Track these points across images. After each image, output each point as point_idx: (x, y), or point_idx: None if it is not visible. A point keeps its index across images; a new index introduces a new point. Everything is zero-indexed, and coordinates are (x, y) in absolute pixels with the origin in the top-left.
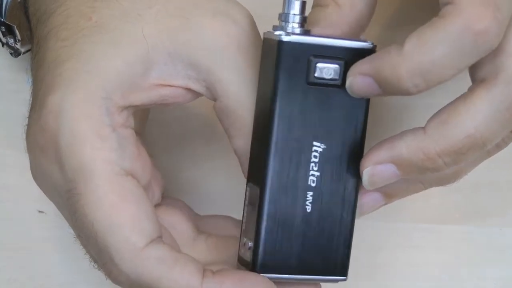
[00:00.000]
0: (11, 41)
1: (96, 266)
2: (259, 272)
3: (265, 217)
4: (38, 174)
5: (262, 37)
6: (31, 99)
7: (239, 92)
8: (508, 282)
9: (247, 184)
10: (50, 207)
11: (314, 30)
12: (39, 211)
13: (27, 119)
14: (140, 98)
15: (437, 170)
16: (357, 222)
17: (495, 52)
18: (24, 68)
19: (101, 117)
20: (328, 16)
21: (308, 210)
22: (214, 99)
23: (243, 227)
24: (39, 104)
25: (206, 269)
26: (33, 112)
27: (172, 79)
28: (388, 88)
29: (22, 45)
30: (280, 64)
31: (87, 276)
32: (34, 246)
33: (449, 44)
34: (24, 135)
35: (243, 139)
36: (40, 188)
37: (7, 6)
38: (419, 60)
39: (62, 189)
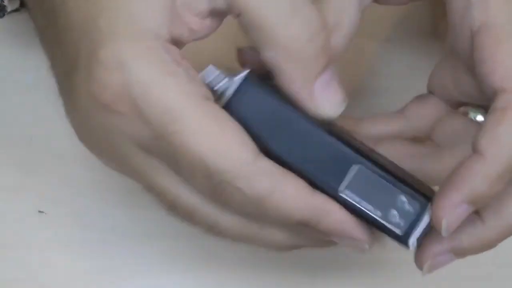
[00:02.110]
0: None
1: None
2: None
3: None
4: (99, 135)
5: None
6: (60, 69)
7: (259, 3)
8: (508, 282)
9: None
10: (50, 207)
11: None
12: (39, 211)
13: (66, 87)
14: (179, 31)
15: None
16: None
17: None
18: (23, 69)
19: (163, 56)
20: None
21: None
22: (237, 14)
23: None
24: (86, 65)
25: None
26: (77, 76)
27: (197, 3)
28: (481, 202)
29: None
30: None
31: (87, 276)
32: (34, 246)
33: None
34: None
35: (271, 50)
36: (92, 147)
37: None
38: (505, 161)
39: (148, 138)
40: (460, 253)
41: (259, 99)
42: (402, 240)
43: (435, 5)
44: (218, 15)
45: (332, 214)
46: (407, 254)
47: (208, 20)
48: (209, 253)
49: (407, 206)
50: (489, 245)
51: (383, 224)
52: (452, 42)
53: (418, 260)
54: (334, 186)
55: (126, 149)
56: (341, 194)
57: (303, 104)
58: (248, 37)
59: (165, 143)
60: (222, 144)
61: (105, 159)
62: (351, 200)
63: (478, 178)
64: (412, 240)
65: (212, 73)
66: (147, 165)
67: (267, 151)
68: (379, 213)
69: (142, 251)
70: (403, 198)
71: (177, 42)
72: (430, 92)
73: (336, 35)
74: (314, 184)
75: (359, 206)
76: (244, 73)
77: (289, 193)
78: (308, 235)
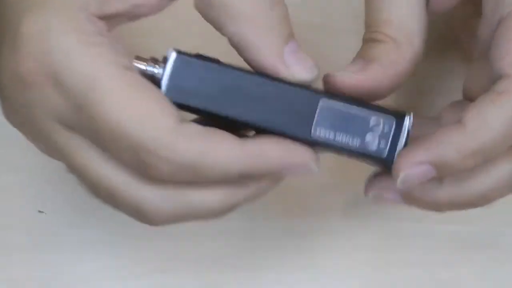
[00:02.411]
0: None
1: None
2: None
3: None
4: (22, 113)
5: None
6: None
7: None
8: (508, 282)
9: None
10: (50, 207)
11: (374, 67)
12: (39, 211)
13: None
14: (116, 7)
15: (436, 211)
16: (360, 222)
17: None
18: None
19: (86, 27)
20: (388, 53)
21: None
22: None
23: None
24: (11, 37)
25: (242, 135)
26: (3, 49)
27: None
28: (447, 171)
29: None
30: None
31: (87, 277)
32: (34, 246)
33: (509, 120)
34: None
35: (236, 25)
36: (18, 127)
37: None
38: (483, 140)
39: (67, 112)
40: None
41: (202, 74)
42: (387, 162)
43: (455, 17)
44: None
45: (268, 155)
46: (407, 254)
47: None
48: (209, 253)
49: (383, 126)
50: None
51: (364, 152)
52: (483, 36)
53: (395, 169)
54: (306, 131)
55: (47, 126)
56: (314, 136)
57: (277, 72)
58: (207, 16)
59: (85, 114)
60: (143, 112)
61: (31, 139)
62: (326, 139)
63: (451, 146)
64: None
65: (140, 64)
66: (69, 143)
67: (229, 123)
68: (357, 142)
69: (142, 251)
70: (376, 119)
71: (113, 17)
72: (467, 99)
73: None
74: (286, 137)
75: (335, 142)
76: (173, 53)
77: (221, 151)
78: (250, 186)
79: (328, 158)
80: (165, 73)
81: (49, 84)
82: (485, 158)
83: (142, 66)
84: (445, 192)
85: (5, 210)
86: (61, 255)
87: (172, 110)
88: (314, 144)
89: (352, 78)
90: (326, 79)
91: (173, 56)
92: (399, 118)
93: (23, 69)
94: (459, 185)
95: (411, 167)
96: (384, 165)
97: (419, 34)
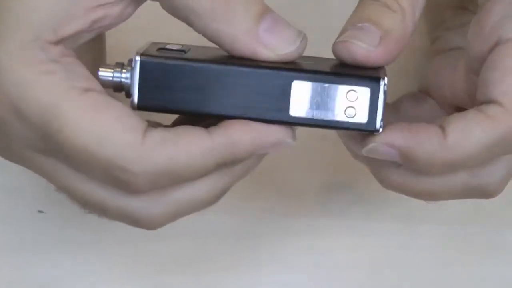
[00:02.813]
0: None
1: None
2: None
3: None
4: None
5: None
6: None
7: None
8: (508, 282)
9: None
10: (50, 207)
11: (390, 42)
12: (39, 211)
13: None
14: (74, 27)
15: (429, 173)
16: (359, 222)
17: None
18: None
19: (37, 57)
20: (399, 25)
21: None
22: None
23: None
24: None
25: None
26: None
27: None
28: (412, 166)
29: None
30: None
31: (88, 276)
32: (34, 246)
33: (489, 147)
34: None
35: (203, 20)
36: (3, 154)
37: None
38: (458, 156)
39: (36, 141)
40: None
41: (171, 74)
42: (370, 128)
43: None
44: (131, 3)
45: (239, 141)
46: (407, 254)
47: (121, 5)
48: (209, 253)
49: (359, 95)
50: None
51: (345, 123)
52: (475, 48)
53: (367, 138)
54: (284, 113)
55: (24, 154)
56: (294, 116)
57: (259, 56)
58: (177, 17)
59: (52, 142)
60: (106, 132)
61: (19, 164)
62: (305, 117)
63: (426, 149)
64: (379, 123)
65: (106, 72)
66: (49, 167)
67: (206, 117)
68: (335, 115)
69: (142, 251)
70: (352, 89)
71: (73, 36)
72: (422, 91)
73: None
74: (264, 121)
75: (314, 118)
76: (138, 57)
77: (191, 151)
78: (232, 170)
79: (328, 158)
80: (134, 78)
81: (12, 118)
82: (452, 171)
83: (109, 73)
84: (399, 176)
85: (5, 210)
86: (61, 255)
87: (135, 123)
88: (295, 124)
89: (371, 52)
90: (340, 45)
91: (138, 60)
92: (374, 84)
93: None
94: (415, 176)
95: (383, 145)
96: (368, 130)
97: (420, 3)
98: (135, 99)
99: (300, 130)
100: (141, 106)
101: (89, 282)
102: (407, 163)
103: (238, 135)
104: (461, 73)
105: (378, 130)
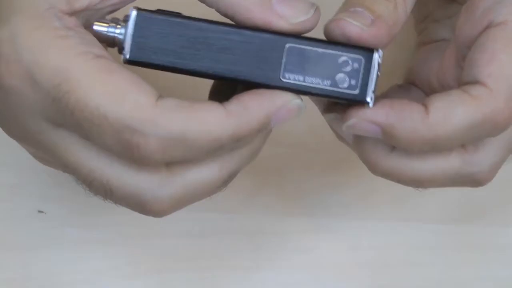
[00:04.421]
0: None
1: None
2: None
3: None
4: (6, 116)
5: None
6: None
7: None
8: (508, 282)
9: None
10: (50, 207)
11: (381, 25)
12: (39, 211)
13: None
14: (85, 1)
15: (409, 150)
16: (360, 222)
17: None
18: None
19: (52, 24)
20: (391, 13)
21: None
22: None
23: None
24: None
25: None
26: None
27: None
28: (393, 142)
29: None
30: None
31: (87, 276)
32: (34, 246)
33: (471, 127)
34: None
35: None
36: (10, 133)
37: None
38: (440, 134)
39: (48, 108)
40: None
41: (165, 29)
42: (360, 99)
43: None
44: None
45: (252, 108)
46: (407, 254)
47: None
48: (209, 253)
49: (352, 64)
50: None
51: (336, 92)
52: (464, 32)
53: (350, 113)
54: (275, 77)
55: (33, 127)
56: (284, 81)
57: (272, 25)
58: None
59: (63, 107)
60: (120, 92)
61: (23, 143)
62: (296, 83)
63: (407, 125)
64: (370, 95)
65: (101, 27)
66: (58, 140)
67: (198, 76)
68: (327, 83)
69: (142, 251)
70: (345, 57)
71: (83, 11)
72: (409, 82)
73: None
74: (256, 85)
75: (305, 84)
76: (134, 10)
77: (207, 117)
78: (243, 148)
79: (328, 158)
80: (128, 32)
81: (24, 84)
82: (433, 149)
83: (103, 28)
84: (387, 161)
85: (5, 210)
86: (61, 255)
87: (148, 88)
88: (285, 89)
89: (363, 31)
90: (333, 24)
91: (134, 14)
92: (368, 54)
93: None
94: (404, 162)
95: (364, 121)
96: (358, 102)
97: None
98: (127, 52)
99: (300, 130)
100: (132, 60)
101: (89, 281)
102: (389, 140)
103: (250, 102)
104: (449, 62)
105: (368, 103)
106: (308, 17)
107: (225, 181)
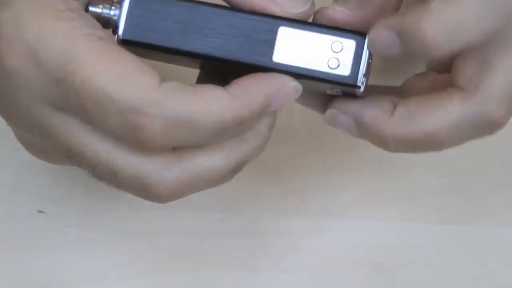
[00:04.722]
0: None
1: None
2: None
3: None
4: (7, 101)
5: None
6: None
7: None
8: (508, 282)
9: None
10: (50, 207)
11: (368, 8)
12: (39, 211)
13: None
14: None
15: (386, 149)
16: (360, 222)
17: (483, 65)
18: None
19: (56, 6)
20: None
21: None
22: None
23: None
24: None
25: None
26: None
27: None
28: (410, 46)
29: None
30: None
31: (88, 276)
32: (34, 246)
33: (479, 3)
34: None
35: None
36: (10, 120)
37: None
38: (447, 18)
39: (51, 90)
40: (359, 125)
41: (159, 10)
42: (351, 82)
43: None
44: None
45: (253, 89)
46: (407, 254)
47: None
48: (209, 253)
49: (344, 48)
50: (385, 140)
51: (327, 74)
52: None
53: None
54: (267, 59)
55: (36, 111)
56: (277, 62)
57: (269, 10)
58: None
59: (67, 88)
60: (125, 74)
61: (16, 126)
62: (288, 65)
63: (415, 19)
64: (360, 79)
65: (96, 8)
66: (61, 124)
67: (190, 58)
68: (319, 66)
69: (142, 251)
70: (337, 41)
71: None
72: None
73: None
74: (248, 66)
75: (297, 68)
76: None
77: (211, 98)
78: (249, 138)
79: (328, 157)
80: (122, 12)
81: (27, 65)
82: (455, 40)
83: (98, 9)
84: (393, 125)
85: (5, 210)
86: (61, 255)
87: (152, 71)
88: (278, 71)
89: (345, 13)
90: (319, 13)
91: None
92: (360, 37)
93: (0, 55)
94: (408, 119)
95: (380, 29)
96: (349, 86)
97: None
98: (121, 31)
99: (300, 130)
100: (126, 40)
101: (89, 281)
102: (404, 43)
103: (250, 85)
104: None
105: (359, 87)
106: (305, 9)
107: (232, 171)
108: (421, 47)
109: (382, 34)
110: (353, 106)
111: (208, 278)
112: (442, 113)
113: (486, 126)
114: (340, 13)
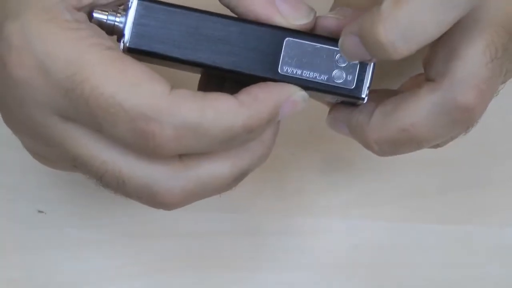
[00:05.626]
0: None
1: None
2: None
3: None
4: (14, 112)
5: None
6: None
7: None
8: (508, 282)
9: None
10: (50, 207)
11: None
12: (39, 211)
13: None
14: None
15: (374, 152)
16: (359, 221)
17: (449, 54)
18: None
19: (63, 16)
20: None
21: None
22: None
23: None
24: None
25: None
26: None
27: None
28: (371, 49)
29: None
30: None
31: (88, 276)
32: (34, 246)
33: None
34: None
35: None
36: (17, 132)
37: None
38: (397, 18)
39: (59, 100)
40: (351, 133)
41: (165, 19)
42: (355, 94)
43: None
44: None
45: (261, 97)
46: (407, 254)
47: None
48: (209, 253)
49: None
50: (369, 145)
51: (332, 86)
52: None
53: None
54: (273, 70)
55: (43, 121)
56: (282, 74)
57: (273, 20)
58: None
59: (76, 97)
60: (135, 81)
61: (23, 135)
62: (293, 76)
63: (374, 20)
64: (365, 92)
65: (101, 14)
66: (69, 134)
67: (196, 68)
68: (324, 77)
69: (142, 251)
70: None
71: (91, 6)
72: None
73: None
74: (253, 77)
75: (302, 78)
76: (135, 0)
77: (221, 106)
78: (254, 146)
79: (328, 157)
80: (128, 20)
81: (36, 75)
82: (411, 40)
83: (103, 16)
84: (371, 127)
85: (5, 210)
86: (61, 254)
87: (161, 79)
88: (283, 81)
89: (340, 21)
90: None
91: (135, 2)
92: None
93: (9, 66)
94: (383, 119)
95: (346, 35)
96: (353, 97)
97: None
98: (127, 40)
99: (300, 130)
100: (132, 48)
101: (89, 281)
102: (366, 46)
103: (260, 94)
104: None
105: (363, 99)
106: (308, 21)
107: (236, 179)
108: (380, 50)
109: (348, 40)
110: (342, 113)
111: (208, 278)
112: (413, 106)
113: (457, 113)
114: (331, 20)
